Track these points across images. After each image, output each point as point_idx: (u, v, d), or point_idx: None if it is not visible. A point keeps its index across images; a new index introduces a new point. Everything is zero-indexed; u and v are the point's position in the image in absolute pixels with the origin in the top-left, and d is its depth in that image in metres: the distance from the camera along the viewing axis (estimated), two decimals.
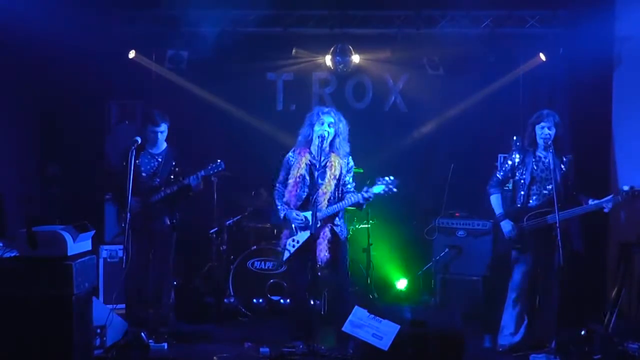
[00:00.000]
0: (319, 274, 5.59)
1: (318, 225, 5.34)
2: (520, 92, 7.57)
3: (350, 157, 5.60)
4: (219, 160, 5.86)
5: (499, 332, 5.70)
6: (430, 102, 7.78)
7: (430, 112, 7.83)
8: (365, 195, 5.37)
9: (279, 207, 5.62)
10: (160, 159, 5.96)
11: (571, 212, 5.38)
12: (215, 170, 5.87)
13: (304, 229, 5.48)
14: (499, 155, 6.90)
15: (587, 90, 6.99)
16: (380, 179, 5.33)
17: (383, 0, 7.38)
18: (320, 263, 5.40)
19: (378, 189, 5.33)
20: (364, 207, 5.56)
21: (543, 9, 7.25)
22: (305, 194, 5.50)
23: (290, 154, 5.61)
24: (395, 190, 5.31)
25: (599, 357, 5.24)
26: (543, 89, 7.52)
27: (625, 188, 5.36)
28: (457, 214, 6.99)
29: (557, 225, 5.22)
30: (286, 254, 5.54)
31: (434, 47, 7.47)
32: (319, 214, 5.34)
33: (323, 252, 5.42)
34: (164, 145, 6.02)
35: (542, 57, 7.33)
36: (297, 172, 5.50)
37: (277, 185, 5.65)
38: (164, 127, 5.92)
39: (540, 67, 7.43)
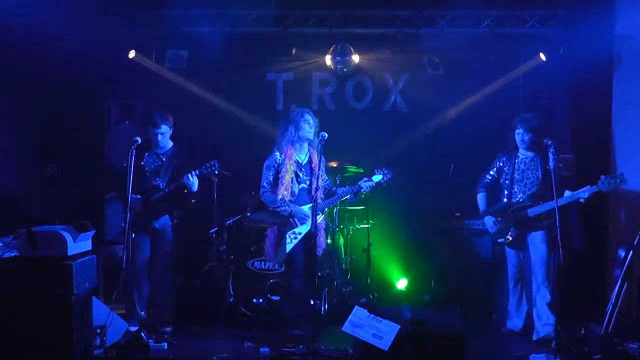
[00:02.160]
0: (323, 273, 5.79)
1: (320, 215, 5.72)
2: (520, 92, 7.57)
3: None
4: (213, 160, 5.89)
5: (499, 333, 5.75)
6: (430, 102, 7.78)
7: (430, 112, 7.83)
8: (369, 183, 5.80)
9: (281, 206, 5.76)
10: (164, 158, 6.00)
11: (548, 205, 5.53)
12: (209, 170, 5.90)
13: (305, 222, 5.71)
14: (499, 155, 6.89)
15: (587, 90, 6.99)
16: (377, 169, 5.88)
17: (383, 0, 7.38)
18: (319, 253, 5.70)
19: (377, 177, 5.84)
20: (361, 195, 6.09)
21: (543, 9, 7.25)
22: (297, 190, 5.76)
23: (276, 154, 5.80)
24: (390, 176, 5.84)
25: (598, 357, 5.23)
26: (543, 89, 7.51)
27: (602, 177, 5.46)
28: (457, 214, 6.98)
29: (557, 225, 5.24)
30: (288, 247, 5.65)
31: (434, 47, 7.46)
32: (322, 204, 5.76)
33: (322, 241, 5.79)
34: (170, 144, 6.06)
35: (542, 57, 7.33)
36: (289, 169, 5.74)
37: (265, 185, 5.82)
38: (164, 129, 5.94)
39: (540, 67, 7.43)
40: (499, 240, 5.91)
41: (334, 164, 6.93)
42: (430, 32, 7.34)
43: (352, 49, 7.60)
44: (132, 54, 7.44)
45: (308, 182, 5.83)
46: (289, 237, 5.72)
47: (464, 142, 7.49)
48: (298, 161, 5.84)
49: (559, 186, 5.50)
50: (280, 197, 5.76)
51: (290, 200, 5.76)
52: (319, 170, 5.70)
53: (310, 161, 5.88)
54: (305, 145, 5.89)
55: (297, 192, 5.79)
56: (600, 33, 6.74)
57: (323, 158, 5.88)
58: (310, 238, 5.59)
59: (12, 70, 6.82)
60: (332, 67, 7.73)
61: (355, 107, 8.01)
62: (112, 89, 7.65)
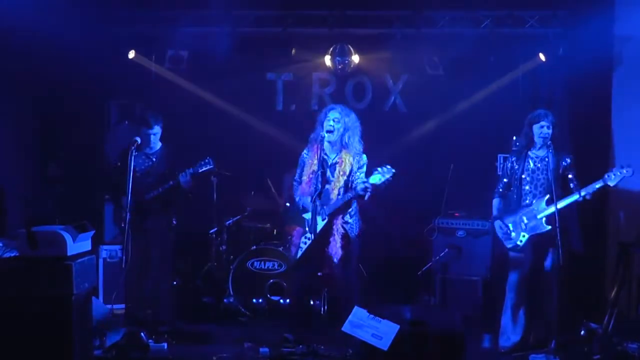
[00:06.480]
0: (322, 273, 5.69)
1: (325, 220, 5.44)
2: (520, 92, 7.57)
3: (364, 155, 5.61)
4: (208, 158, 5.89)
5: (499, 333, 5.71)
6: (430, 102, 7.78)
7: (430, 112, 7.83)
8: (363, 185, 5.30)
9: (297, 200, 5.70)
10: (154, 159, 6.01)
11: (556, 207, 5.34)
12: (205, 168, 5.91)
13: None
14: (499, 155, 6.90)
15: (587, 90, 6.98)
16: (376, 168, 5.32)
17: (383, 0, 7.38)
18: (335, 261, 5.45)
19: (374, 178, 5.28)
20: (366, 198, 5.40)
21: (543, 9, 7.25)
22: (319, 189, 5.46)
23: (304, 152, 5.69)
24: (390, 178, 5.26)
25: (598, 357, 5.24)
26: (543, 89, 7.51)
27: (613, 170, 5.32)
28: (457, 214, 6.98)
29: (557, 225, 5.22)
30: (299, 252, 5.51)
31: (434, 47, 7.46)
32: (325, 208, 5.45)
33: (337, 249, 5.46)
34: (159, 144, 6.06)
35: (542, 57, 7.33)
36: (310, 168, 5.56)
37: (294, 183, 5.75)
38: (157, 130, 5.96)
39: (540, 67, 7.43)
40: (509, 246, 5.61)
41: None
42: (430, 32, 7.34)
43: (352, 49, 7.59)
44: (132, 54, 7.44)
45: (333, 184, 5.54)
46: (302, 241, 5.52)
47: (464, 142, 7.49)
48: (326, 160, 5.56)
49: (568, 187, 5.47)
50: (302, 194, 5.58)
51: (314, 199, 5.41)
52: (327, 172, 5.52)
53: (338, 162, 5.55)
54: (337, 143, 5.54)
55: (322, 192, 5.47)
56: (599, 33, 6.73)
57: (349, 159, 5.55)
58: (317, 243, 5.44)
59: (12, 71, 6.83)
60: (331, 67, 7.72)
61: (355, 107, 7.94)
62: (112, 89, 7.67)
